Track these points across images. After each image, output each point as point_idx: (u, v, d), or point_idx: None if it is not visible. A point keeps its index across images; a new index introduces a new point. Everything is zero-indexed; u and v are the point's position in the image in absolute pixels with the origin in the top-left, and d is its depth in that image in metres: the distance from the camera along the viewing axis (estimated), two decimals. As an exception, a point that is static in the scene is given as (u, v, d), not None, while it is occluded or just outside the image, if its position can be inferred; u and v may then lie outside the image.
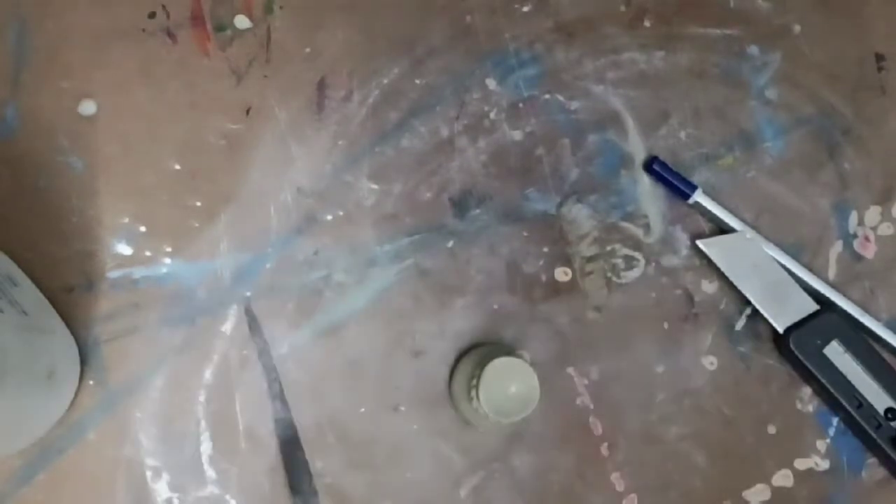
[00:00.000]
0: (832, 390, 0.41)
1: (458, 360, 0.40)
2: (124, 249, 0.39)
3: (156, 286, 0.39)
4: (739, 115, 0.44)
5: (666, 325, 0.42)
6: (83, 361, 0.38)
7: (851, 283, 0.43)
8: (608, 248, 0.42)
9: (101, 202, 0.39)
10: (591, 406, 0.41)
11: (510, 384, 0.35)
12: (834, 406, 0.42)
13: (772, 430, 0.42)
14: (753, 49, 0.45)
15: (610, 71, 0.43)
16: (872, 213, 0.44)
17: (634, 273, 0.42)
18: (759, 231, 0.43)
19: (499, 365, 0.35)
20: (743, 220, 0.43)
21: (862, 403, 0.41)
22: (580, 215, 0.42)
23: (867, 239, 0.44)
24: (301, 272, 0.40)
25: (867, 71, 0.45)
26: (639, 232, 0.43)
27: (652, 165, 0.42)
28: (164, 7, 0.41)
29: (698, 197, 0.42)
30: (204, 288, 0.39)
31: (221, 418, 0.39)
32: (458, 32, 0.43)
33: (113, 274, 0.39)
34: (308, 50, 0.42)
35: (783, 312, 0.42)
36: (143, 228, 0.40)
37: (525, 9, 0.43)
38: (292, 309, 0.40)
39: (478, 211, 0.42)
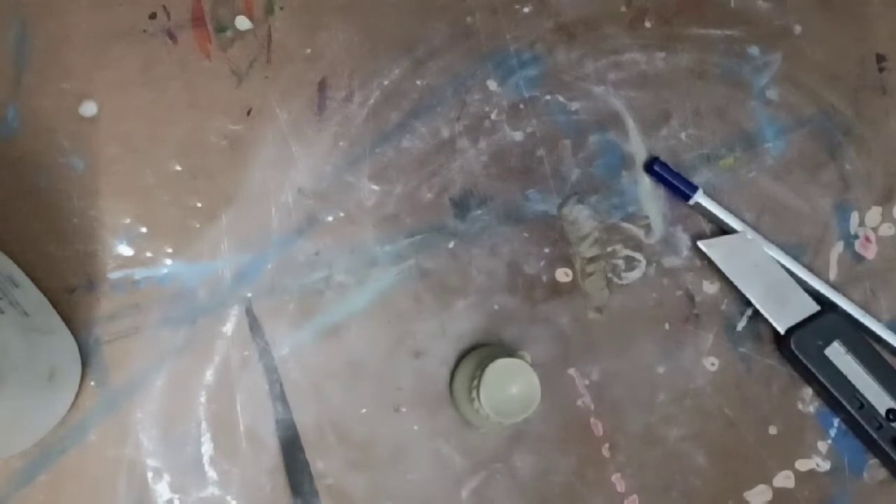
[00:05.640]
0: (833, 391, 0.41)
1: (458, 360, 0.40)
2: (125, 250, 0.39)
3: (157, 287, 0.39)
4: (740, 115, 0.44)
5: (667, 326, 0.42)
6: (84, 362, 0.38)
7: (852, 283, 0.43)
8: (609, 248, 0.42)
9: (102, 203, 0.39)
10: (592, 407, 0.41)
11: (511, 385, 0.35)
12: (835, 407, 0.42)
13: (773, 430, 0.42)
14: (754, 49, 0.45)
15: (611, 71, 0.43)
16: (873, 214, 0.44)
17: (635, 274, 0.42)
18: (760, 232, 0.43)
19: (500, 366, 0.35)
20: (744, 220, 0.43)
21: (863, 404, 0.41)
22: (581, 216, 0.42)
23: (868, 239, 0.44)
24: (302, 273, 0.40)
25: (868, 71, 0.45)
26: (640, 233, 0.43)
27: (653, 166, 0.42)
28: (164, 8, 0.41)
29: (699, 198, 0.42)
30: (205, 288, 0.39)
31: (222, 419, 0.39)
32: (459, 33, 0.43)
33: (114, 274, 0.39)
34: (309, 51, 0.42)
35: (784, 313, 0.42)
36: (144, 229, 0.40)
37: (526, 9, 0.43)
38: (293, 309, 0.40)
39: (479, 212, 0.42)
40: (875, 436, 0.40)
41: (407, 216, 0.41)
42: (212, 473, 0.38)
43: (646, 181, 0.43)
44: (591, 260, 0.42)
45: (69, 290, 0.39)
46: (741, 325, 0.42)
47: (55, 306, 0.38)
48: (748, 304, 0.42)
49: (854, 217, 0.44)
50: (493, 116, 0.42)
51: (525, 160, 0.42)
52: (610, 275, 0.42)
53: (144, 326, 0.39)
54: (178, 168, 0.40)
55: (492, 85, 0.43)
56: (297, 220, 0.41)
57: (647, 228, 0.43)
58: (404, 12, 0.43)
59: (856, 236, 0.44)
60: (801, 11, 0.45)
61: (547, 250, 0.42)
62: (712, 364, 0.42)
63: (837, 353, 0.41)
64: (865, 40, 0.46)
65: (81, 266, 0.39)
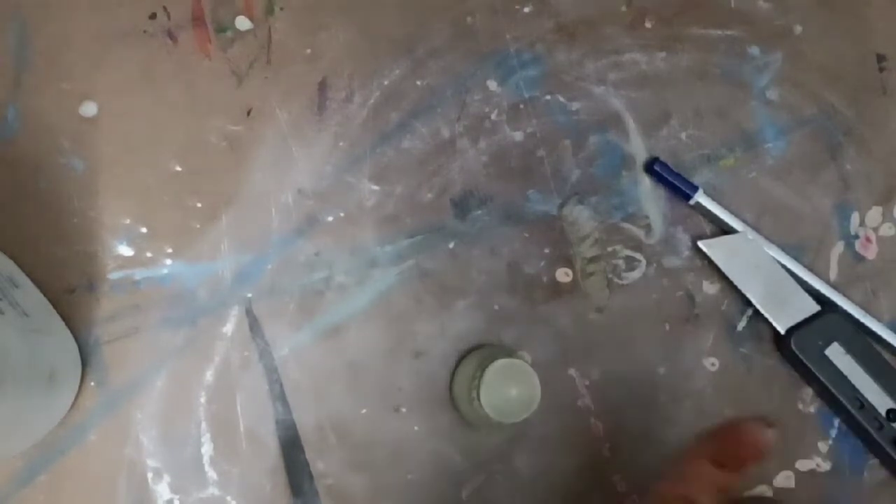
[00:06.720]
0: (834, 391, 0.41)
1: (459, 361, 0.40)
2: (125, 250, 0.39)
3: (157, 287, 0.39)
4: (741, 115, 0.44)
5: (667, 327, 0.42)
6: (84, 362, 0.38)
7: (853, 283, 0.43)
8: (609, 249, 0.42)
9: (102, 203, 0.39)
10: (593, 407, 0.41)
11: (511, 385, 0.35)
12: (835, 407, 0.42)
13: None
14: (754, 50, 0.45)
15: (611, 72, 0.43)
16: (874, 214, 0.44)
17: (636, 274, 0.42)
18: (760, 232, 0.43)
19: (500, 366, 0.35)
20: (744, 220, 0.43)
21: (863, 404, 0.41)
22: (581, 216, 0.42)
23: (868, 240, 0.44)
24: (302, 273, 0.40)
25: (868, 71, 0.45)
26: (640, 233, 0.43)
27: (653, 166, 0.42)
28: (164, 8, 0.41)
29: (699, 198, 0.42)
30: (205, 289, 0.39)
31: (222, 419, 0.39)
32: (459, 33, 0.43)
33: (114, 275, 0.39)
34: (309, 51, 0.42)
35: (784, 313, 0.41)
36: (144, 229, 0.40)
37: (526, 9, 0.43)
38: (293, 310, 0.40)
39: (479, 212, 0.42)
40: (875, 436, 0.40)
41: (407, 216, 0.41)
42: (212, 474, 0.38)
43: (646, 181, 0.43)
44: (592, 260, 0.42)
45: (69, 291, 0.39)
46: (741, 325, 0.42)
47: (55, 307, 0.38)
48: (748, 304, 0.42)
49: (854, 217, 0.44)
50: (493, 117, 0.42)
51: (525, 160, 0.42)
52: (610, 275, 0.42)
53: (144, 327, 0.39)
54: (178, 168, 0.40)
55: (492, 85, 0.43)
56: (297, 220, 0.41)
57: (648, 229, 0.43)
58: (405, 12, 0.43)
59: (856, 236, 0.44)
60: (802, 11, 0.45)
61: (547, 250, 0.42)
62: (713, 364, 0.42)
63: (837, 353, 0.41)
64: (865, 40, 0.46)
65: (81, 266, 0.39)
